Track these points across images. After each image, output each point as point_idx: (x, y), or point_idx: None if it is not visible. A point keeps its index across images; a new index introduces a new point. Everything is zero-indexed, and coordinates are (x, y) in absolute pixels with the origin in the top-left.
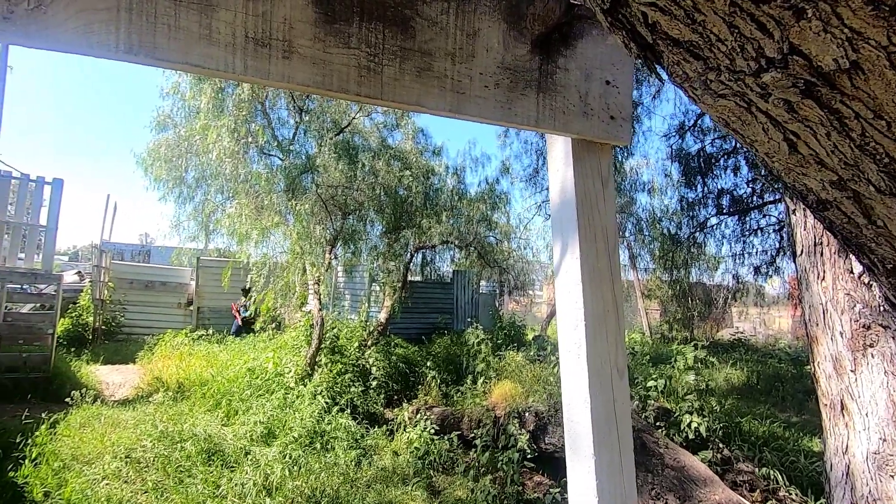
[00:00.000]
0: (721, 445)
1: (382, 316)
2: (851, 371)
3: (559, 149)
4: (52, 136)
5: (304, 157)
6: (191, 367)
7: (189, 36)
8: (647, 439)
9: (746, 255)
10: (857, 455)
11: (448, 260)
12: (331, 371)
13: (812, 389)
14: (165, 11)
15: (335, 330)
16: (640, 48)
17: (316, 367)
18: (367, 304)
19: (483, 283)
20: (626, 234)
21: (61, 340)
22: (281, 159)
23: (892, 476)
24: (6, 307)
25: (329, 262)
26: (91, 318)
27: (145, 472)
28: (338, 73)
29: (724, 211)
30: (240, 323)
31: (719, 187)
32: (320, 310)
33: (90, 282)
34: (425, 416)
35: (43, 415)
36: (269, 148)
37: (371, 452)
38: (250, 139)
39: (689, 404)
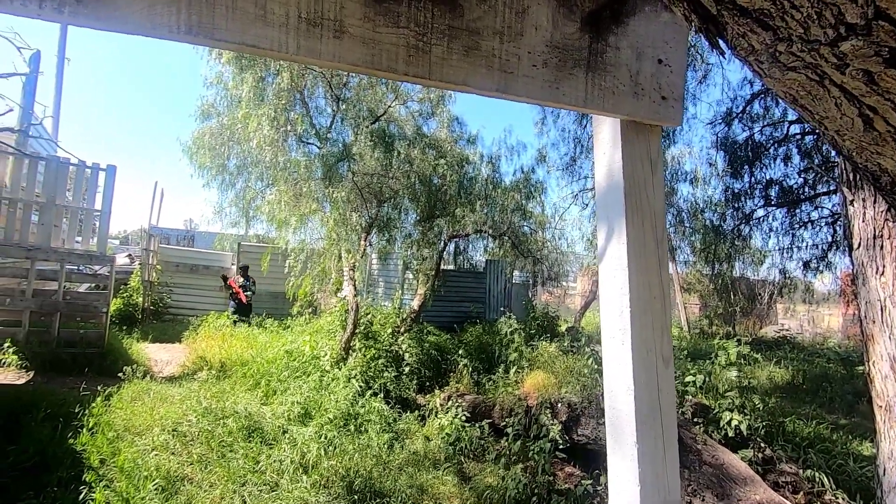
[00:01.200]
0: (763, 445)
1: (415, 303)
2: None
3: (607, 130)
4: (105, 125)
5: (340, 145)
6: (232, 348)
7: (245, 17)
8: (685, 435)
9: (795, 249)
10: None
11: (481, 249)
12: (365, 356)
13: (864, 391)
14: None
15: (369, 316)
16: (702, 20)
17: (350, 351)
18: (400, 292)
19: (516, 273)
20: (667, 226)
21: (114, 319)
22: (318, 147)
23: None
24: (65, 286)
25: (364, 250)
26: (140, 299)
27: (191, 445)
28: (387, 53)
29: (773, 202)
30: (244, 301)
31: (768, 177)
32: (355, 296)
33: (140, 264)
34: (457, 403)
35: (98, 388)
36: (307, 136)
37: (403, 436)
38: (289, 127)
39: (730, 401)
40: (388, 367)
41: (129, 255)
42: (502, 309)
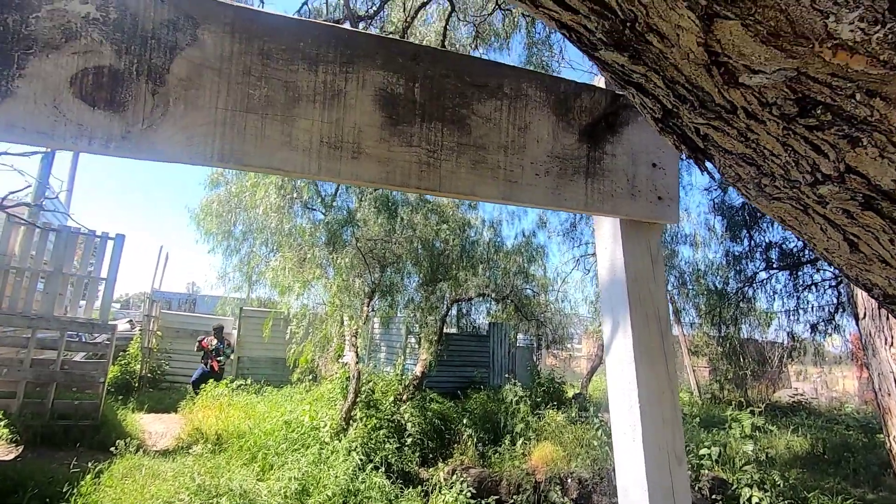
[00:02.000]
0: None
1: (418, 369)
2: None
3: (607, 228)
4: (116, 193)
5: (345, 211)
6: (229, 419)
7: (272, 143)
8: None
9: (801, 312)
10: None
11: (484, 312)
12: (366, 426)
13: (889, 462)
14: (253, 124)
15: (371, 383)
16: (691, 150)
17: (351, 421)
18: (403, 357)
19: (520, 336)
20: (670, 288)
21: (110, 388)
22: (323, 214)
23: None
24: (64, 355)
25: (367, 315)
26: (138, 366)
27: None
28: (400, 169)
29: (774, 265)
30: (214, 368)
31: (767, 240)
32: (357, 363)
33: (140, 330)
34: (461, 478)
35: (89, 463)
36: (312, 203)
37: None
38: (295, 195)
39: (749, 476)
40: (390, 438)
41: (130, 320)
42: (507, 374)
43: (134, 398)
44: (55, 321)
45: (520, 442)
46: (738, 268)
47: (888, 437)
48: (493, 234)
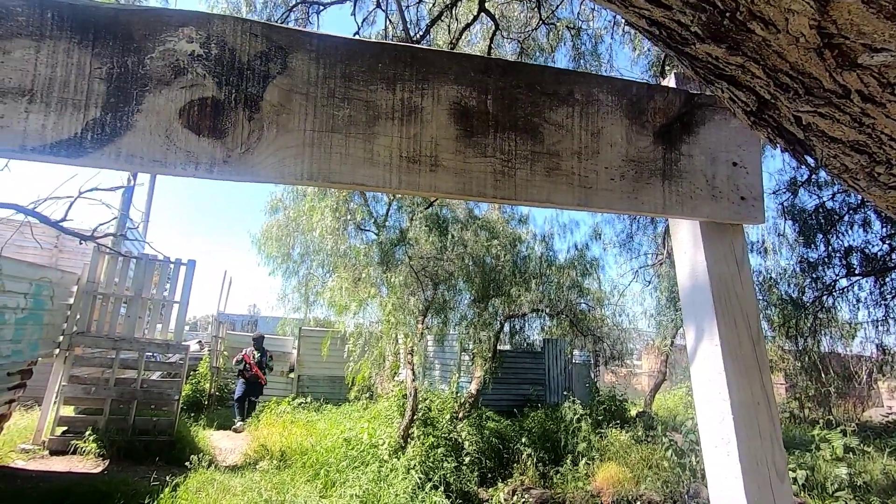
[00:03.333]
0: None
1: (473, 387)
2: None
3: (685, 232)
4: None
5: (397, 231)
6: (292, 436)
7: (356, 161)
8: None
9: (891, 322)
10: None
11: (538, 328)
12: (423, 444)
13: None
14: (338, 143)
15: (427, 401)
16: (788, 143)
17: (409, 439)
18: (457, 374)
19: (576, 352)
20: (762, 325)
21: (182, 406)
22: (376, 234)
23: None
24: (143, 375)
25: (422, 332)
26: (207, 385)
27: None
28: (476, 180)
29: (856, 271)
30: (261, 381)
31: (846, 245)
32: (413, 381)
33: (209, 350)
34: (522, 499)
35: (167, 477)
36: (365, 224)
37: None
38: (349, 217)
39: (844, 503)
40: (448, 457)
41: (199, 341)
42: (564, 392)
43: (204, 415)
44: (136, 342)
45: (582, 462)
46: (814, 275)
47: None
48: (544, 248)
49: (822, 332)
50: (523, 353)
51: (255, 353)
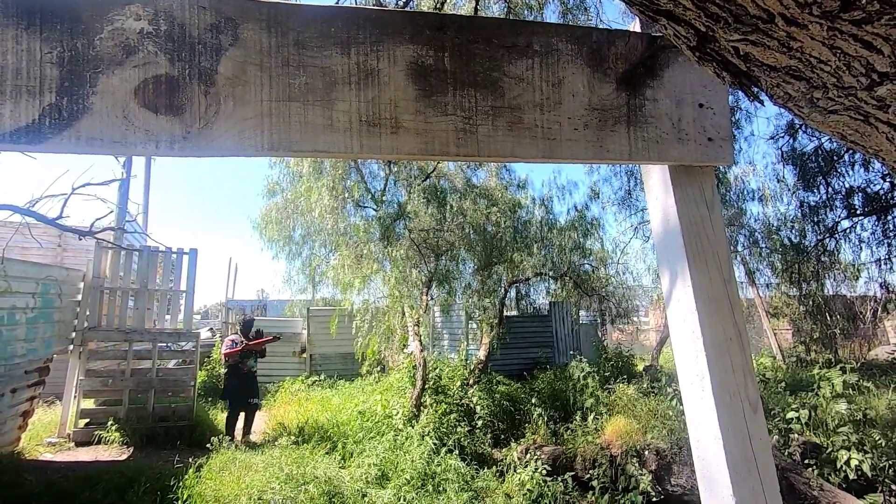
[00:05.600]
0: (894, 487)
1: (481, 353)
2: None
3: (656, 177)
4: (185, 210)
5: (395, 205)
6: (308, 412)
7: (315, 128)
8: (796, 480)
9: (895, 260)
10: None
11: (543, 292)
12: (436, 411)
13: None
14: (297, 111)
15: (437, 370)
16: (734, 76)
17: (422, 407)
18: (465, 343)
19: (582, 312)
20: (739, 248)
21: (199, 391)
22: (375, 210)
23: None
24: (157, 364)
25: (426, 304)
26: (222, 370)
27: None
28: (438, 139)
29: (858, 212)
30: (243, 369)
31: (847, 186)
32: (422, 351)
33: (220, 337)
34: (535, 456)
35: (189, 459)
36: (363, 201)
37: (483, 495)
38: (346, 195)
39: (845, 438)
40: (461, 422)
41: (211, 328)
42: (571, 352)
43: (221, 399)
44: (147, 334)
45: (591, 417)
46: (815, 219)
47: None
48: (544, 212)
49: (826, 276)
50: (530, 317)
51: (239, 338)
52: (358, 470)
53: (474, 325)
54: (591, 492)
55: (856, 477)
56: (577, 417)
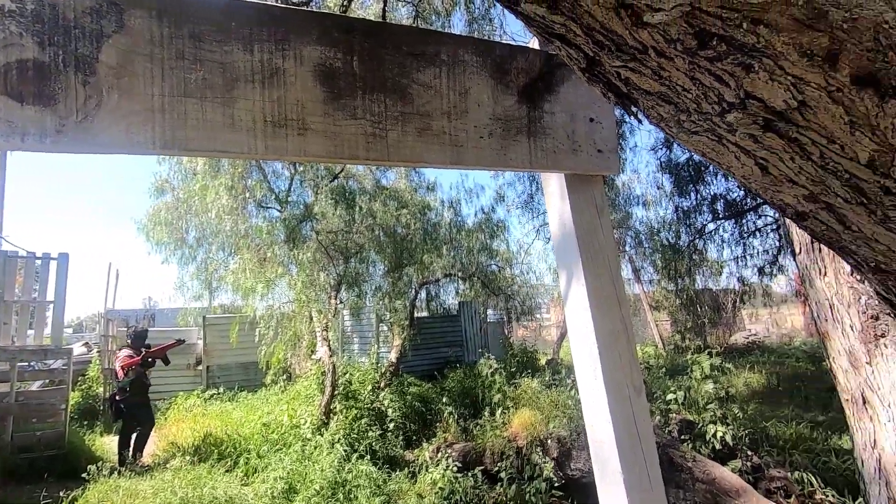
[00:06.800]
0: (749, 453)
1: (393, 356)
2: (867, 363)
3: (554, 185)
4: (53, 209)
5: (302, 206)
6: (205, 428)
7: (215, 127)
8: (674, 454)
9: (748, 257)
10: (887, 448)
11: (453, 292)
12: (346, 417)
13: (834, 386)
14: (193, 108)
15: (347, 375)
16: (617, 97)
17: (331, 414)
18: (376, 346)
19: (490, 311)
20: (627, 249)
21: (73, 414)
22: (279, 211)
23: None
24: (18, 386)
25: (335, 308)
26: (101, 389)
27: None
28: (347, 143)
29: (720, 216)
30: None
31: (712, 193)
32: (331, 356)
33: (98, 352)
34: (446, 454)
35: (60, 493)
36: (267, 201)
37: (395, 498)
38: (248, 195)
39: (712, 414)
40: (372, 426)
41: (86, 343)
42: (480, 350)
43: (101, 421)
44: (3, 352)
45: (499, 412)
46: (687, 222)
47: (828, 359)
48: (453, 214)
49: (696, 272)
50: (441, 318)
51: (128, 351)
52: (263, 486)
53: (385, 328)
54: (499, 483)
55: (721, 447)
56: (486, 413)
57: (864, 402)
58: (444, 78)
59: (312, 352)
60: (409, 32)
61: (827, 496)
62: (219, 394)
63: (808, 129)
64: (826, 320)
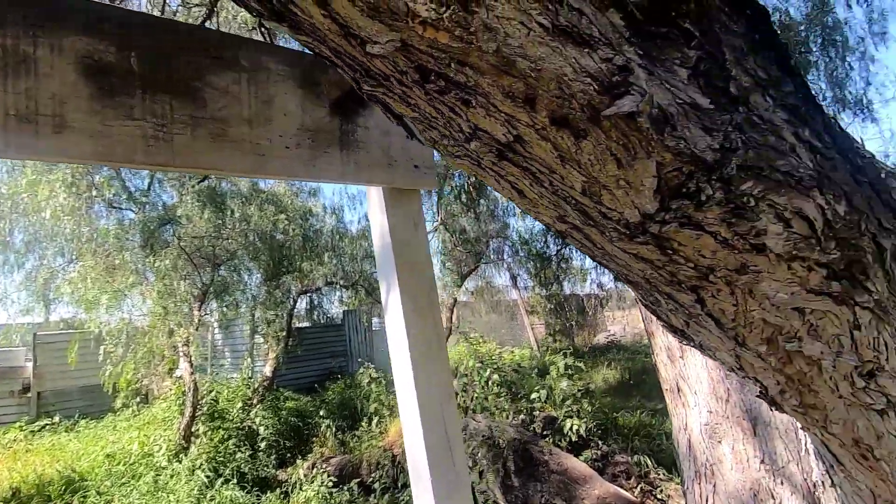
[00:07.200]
0: (599, 443)
1: (268, 369)
2: (680, 357)
3: (375, 198)
4: None
5: (162, 207)
6: (29, 466)
7: None
8: (533, 450)
9: None
10: (694, 429)
11: (336, 301)
12: (211, 440)
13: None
14: None
15: (213, 393)
16: (395, 118)
17: (193, 438)
18: (249, 359)
19: (375, 319)
20: (505, 257)
21: None
22: (135, 212)
23: (720, 441)
24: None
25: (200, 320)
26: None
27: None
28: (122, 145)
29: None
30: None
31: None
32: (192, 374)
33: None
34: (322, 470)
35: None
36: (119, 201)
37: None
38: (95, 192)
39: (569, 409)
40: (241, 447)
41: None
42: (361, 360)
43: None
44: None
45: (375, 421)
46: (551, 231)
47: (653, 354)
48: (336, 221)
49: (564, 278)
50: (323, 328)
51: None
52: None
53: (261, 340)
54: (373, 494)
55: (577, 439)
56: (364, 424)
57: (679, 391)
58: (245, 84)
59: (171, 369)
60: (202, 34)
61: (659, 475)
62: (53, 424)
63: (532, 160)
64: (650, 320)
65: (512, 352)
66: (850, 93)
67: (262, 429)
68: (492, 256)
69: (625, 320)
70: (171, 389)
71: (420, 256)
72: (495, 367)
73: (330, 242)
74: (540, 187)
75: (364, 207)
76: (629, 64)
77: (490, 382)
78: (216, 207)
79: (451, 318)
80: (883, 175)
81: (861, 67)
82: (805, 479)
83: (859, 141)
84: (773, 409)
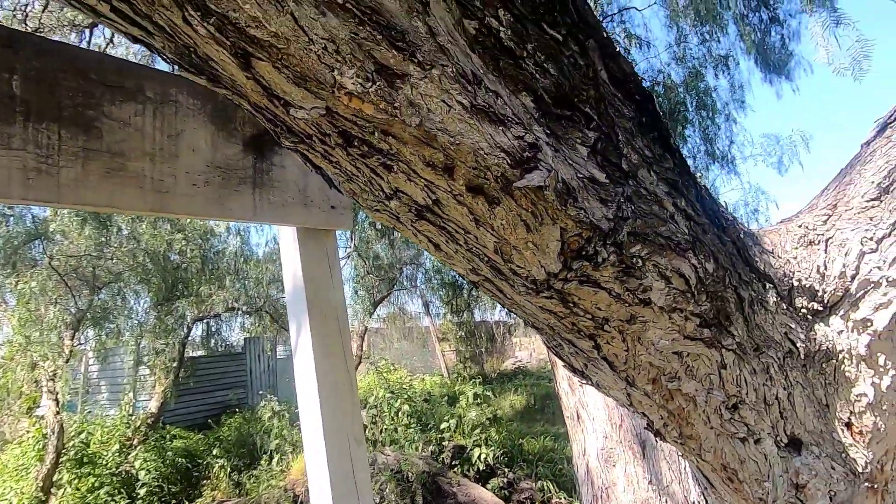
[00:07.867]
0: (506, 470)
1: (153, 405)
2: (580, 386)
3: (288, 237)
4: None
5: (31, 222)
6: None
7: None
8: (441, 482)
9: None
10: (592, 454)
11: (237, 328)
12: (77, 489)
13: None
14: None
15: (83, 434)
16: (315, 169)
17: (53, 489)
18: (131, 394)
19: (280, 348)
20: (419, 284)
21: None
22: None
23: (615, 465)
24: None
25: (72, 350)
26: None
27: None
28: None
29: None
30: None
31: None
32: (58, 412)
33: None
34: None
35: None
36: None
37: None
38: None
39: (477, 438)
40: (116, 496)
41: None
42: (261, 392)
43: None
44: None
45: (276, 459)
46: None
47: (555, 383)
48: (240, 242)
49: (475, 306)
50: (221, 357)
51: None
52: None
53: (146, 371)
54: None
55: (484, 467)
56: (264, 462)
57: (579, 418)
58: (150, 116)
59: (31, 407)
60: (100, 60)
61: (560, 500)
62: None
63: (448, 221)
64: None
65: (423, 379)
66: (718, 149)
67: (142, 473)
68: (405, 283)
69: (531, 346)
70: (28, 432)
71: (334, 300)
72: (406, 397)
73: (233, 265)
74: (455, 244)
75: (273, 229)
76: (538, 142)
77: (400, 413)
78: (99, 224)
79: (362, 345)
80: (742, 235)
81: (726, 128)
82: (686, 498)
83: (724, 204)
84: (657, 439)
